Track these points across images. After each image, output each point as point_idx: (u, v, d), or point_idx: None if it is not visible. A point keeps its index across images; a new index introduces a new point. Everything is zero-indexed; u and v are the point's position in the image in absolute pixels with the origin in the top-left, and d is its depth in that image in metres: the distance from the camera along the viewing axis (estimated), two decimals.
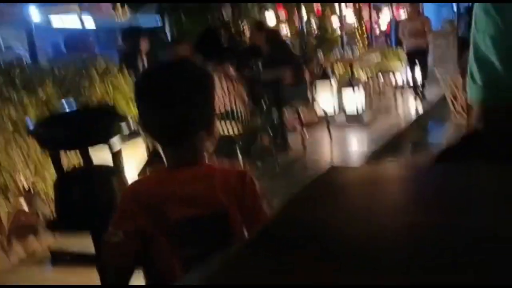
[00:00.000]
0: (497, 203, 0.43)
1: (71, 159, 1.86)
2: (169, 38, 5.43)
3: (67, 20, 7.14)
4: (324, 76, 5.04)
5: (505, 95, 0.78)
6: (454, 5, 11.69)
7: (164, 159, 0.93)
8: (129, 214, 0.89)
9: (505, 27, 0.74)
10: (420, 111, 6.11)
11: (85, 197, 1.36)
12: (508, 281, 0.28)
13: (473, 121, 0.82)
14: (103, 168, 1.45)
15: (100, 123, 1.48)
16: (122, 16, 5.93)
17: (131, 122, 2.37)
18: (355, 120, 5.09)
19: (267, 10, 6.78)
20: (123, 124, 1.55)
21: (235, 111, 3.09)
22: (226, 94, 3.09)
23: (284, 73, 4.06)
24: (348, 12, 8.78)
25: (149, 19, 6.53)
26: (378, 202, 0.48)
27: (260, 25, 4.71)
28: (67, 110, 1.71)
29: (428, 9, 11.98)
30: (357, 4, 8.67)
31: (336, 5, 8.27)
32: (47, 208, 2.23)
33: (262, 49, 4.33)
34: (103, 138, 1.48)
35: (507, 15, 0.73)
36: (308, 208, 0.45)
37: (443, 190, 0.49)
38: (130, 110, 2.81)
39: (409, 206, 0.47)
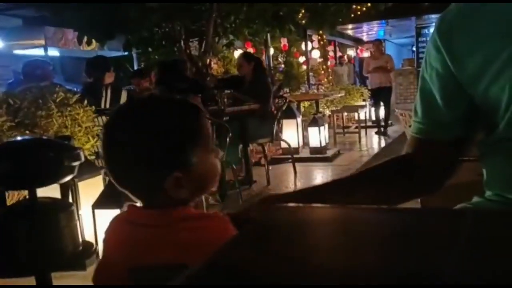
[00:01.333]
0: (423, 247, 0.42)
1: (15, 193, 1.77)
2: (134, 68, 5.41)
3: (31, 52, 7.03)
4: (290, 112, 5.12)
5: (442, 131, 0.81)
6: (414, 46, 12.29)
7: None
8: (107, 262, 0.85)
9: (454, 67, 0.76)
10: (383, 146, 6.26)
11: (29, 236, 1.28)
12: None
13: (405, 151, 0.85)
14: (49, 202, 1.38)
15: (52, 165, 1.38)
16: (88, 47, 5.89)
17: (86, 156, 2.30)
18: (319, 155, 5.16)
19: (236, 49, 6.91)
20: (77, 164, 1.47)
21: None
22: None
23: (255, 106, 4.12)
24: (314, 50, 9.06)
25: (115, 50, 6.51)
26: (317, 245, 0.47)
27: (249, 55, 4.84)
28: (16, 144, 1.63)
29: (389, 49, 12.55)
30: (321, 41, 8.97)
31: (302, 43, 8.52)
32: None
33: (246, 80, 4.42)
34: (54, 181, 1.40)
35: (456, 51, 0.75)
36: (244, 252, 0.44)
37: (377, 233, 0.49)
38: (88, 144, 2.74)
39: (349, 246, 0.46)
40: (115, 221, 0.87)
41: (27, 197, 1.38)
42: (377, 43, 7.44)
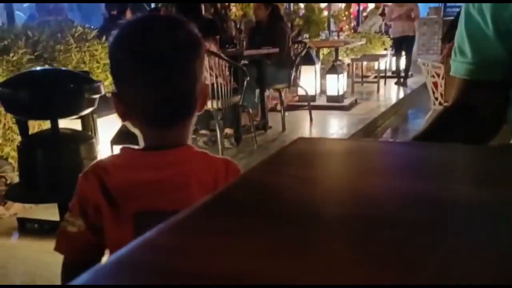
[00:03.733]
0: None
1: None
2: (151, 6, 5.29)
3: None
4: (309, 58, 5.01)
5: (494, 70, 0.77)
6: None
7: (141, 139, 0.76)
8: (88, 200, 0.74)
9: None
10: (401, 97, 6.15)
11: (50, 165, 1.31)
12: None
13: (456, 96, 0.81)
14: (70, 133, 1.40)
15: (73, 96, 1.39)
16: None
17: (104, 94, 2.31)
18: (336, 103, 5.11)
19: None
20: (97, 97, 1.48)
21: (216, 87, 3.05)
22: (207, 69, 3.03)
23: (274, 50, 4.05)
24: None
25: None
26: (344, 171, 0.47)
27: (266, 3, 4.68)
28: (38, 76, 1.63)
29: None
30: None
31: None
32: (15, 174, 2.18)
33: (263, 25, 4.32)
34: (75, 112, 1.41)
35: None
36: (271, 174, 0.44)
37: (414, 163, 0.49)
38: (107, 81, 2.75)
39: (373, 176, 0.46)
40: (102, 166, 0.77)
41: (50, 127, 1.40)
42: None
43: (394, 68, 7.41)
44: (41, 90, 1.35)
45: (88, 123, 1.51)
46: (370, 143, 0.56)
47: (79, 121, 1.52)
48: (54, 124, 1.39)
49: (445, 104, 3.41)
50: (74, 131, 1.46)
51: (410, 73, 7.20)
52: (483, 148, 0.56)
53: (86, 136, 1.46)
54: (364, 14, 11.02)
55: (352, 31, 8.68)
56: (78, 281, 0.21)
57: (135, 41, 0.72)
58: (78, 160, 1.39)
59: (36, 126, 2.03)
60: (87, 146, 1.41)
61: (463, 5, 0.79)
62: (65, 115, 1.42)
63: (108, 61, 2.68)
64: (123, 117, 0.74)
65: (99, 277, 0.23)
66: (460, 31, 0.79)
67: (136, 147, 0.77)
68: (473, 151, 0.53)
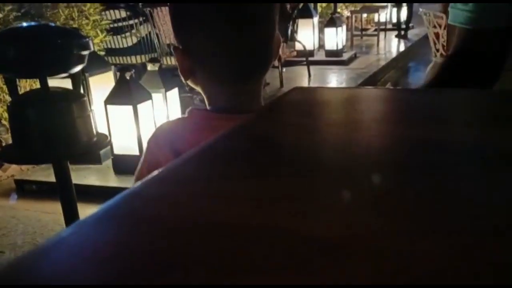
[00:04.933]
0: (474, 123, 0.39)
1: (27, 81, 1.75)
2: None
3: None
4: (306, 11, 4.86)
5: (497, 16, 0.73)
6: None
7: (212, 103, 0.69)
8: (161, 166, 0.66)
9: None
10: (402, 50, 6.03)
11: (42, 124, 1.28)
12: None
13: (456, 45, 0.78)
14: (61, 91, 1.35)
15: (61, 52, 1.33)
16: None
17: (95, 52, 2.24)
18: (335, 57, 5.01)
19: None
20: (87, 54, 1.41)
21: None
22: None
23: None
24: None
25: None
26: (341, 119, 0.44)
27: None
28: (24, 32, 1.56)
29: None
30: None
31: None
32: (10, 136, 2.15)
33: None
34: (64, 69, 1.36)
35: None
36: (265, 122, 0.42)
37: (413, 109, 0.46)
38: (97, 39, 2.66)
39: (372, 123, 0.43)
40: (172, 130, 0.70)
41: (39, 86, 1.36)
42: None
43: (394, 20, 7.23)
44: (28, 46, 1.29)
45: (79, 82, 1.46)
46: (369, 91, 0.53)
47: (70, 81, 1.47)
48: (44, 82, 1.34)
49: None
50: (64, 89, 1.41)
51: (411, 24, 7.03)
52: (486, 92, 0.53)
53: (77, 94, 1.41)
54: None
55: None
56: (63, 233, 0.20)
57: None
58: (71, 119, 1.35)
59: (28, 87, 1.99)
60: (79, 104, 1.36)
61: None
62: (54, 72, 1.36)
63: (97, 17, 2.56)
64: (188, 74, 0.67)
65: (84, 229, 0.22)
66: None
67: (205, 108, 0.69)
68: (474, 95, 0.50)
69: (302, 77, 4.45)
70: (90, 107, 1.95)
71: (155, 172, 0.29)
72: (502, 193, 0.25)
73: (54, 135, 1.32)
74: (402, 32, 6.83)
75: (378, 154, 0.33)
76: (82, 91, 1.67)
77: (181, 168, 0.31)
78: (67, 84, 1.50)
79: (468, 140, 0.35)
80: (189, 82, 0.68)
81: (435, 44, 3.67)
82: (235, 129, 0.41)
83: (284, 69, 4.23)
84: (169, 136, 0.68)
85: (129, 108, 2.21)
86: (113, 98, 2.24)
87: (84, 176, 2.27)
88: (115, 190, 0.27)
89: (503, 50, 0.75)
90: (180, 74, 0.68)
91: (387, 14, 7.24)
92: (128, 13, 3.34)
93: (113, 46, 3.34)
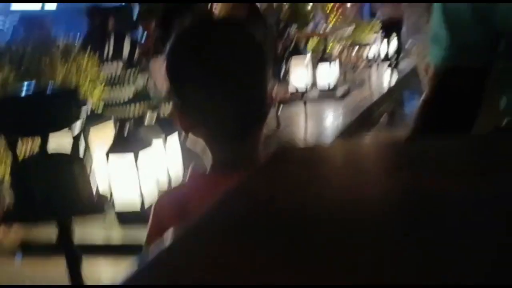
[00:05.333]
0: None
1: (27, 145, 1.78)
2: (134, 16, 5.25)
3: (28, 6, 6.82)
4: (297, 51, 4.99)
5: (472, 56, 0.76)
6: None
7: (209, 160, 0.71)
8: (167, 227, 0.68)
9: None
10: (394, 82, 6.13)
11: (42, 188, 1.30)
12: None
13: (434, 84, 0.81)
14: (59, 156, 1.38)
15: (60, 108, 1.39)
16: None
17: (93, 104, 2.28)
18: (329, 94, 5.09)
19: None
20: (84, 108, 1.47)
21: None
22: None
23: None
24: None
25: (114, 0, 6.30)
26: (329, 179, 0.46)
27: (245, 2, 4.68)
28: (25, 92, 1.61)
29: None
30: None
31: None
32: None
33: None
34: (65, 124, 1.40)
35: None
36: (250, 194, 0.43)
37: (400, 162, 0.47)
38: (95, 93, 2.72)
39: (362, 180, 0.45)
40: (180, 197, 0.72)
41: (40, 147, 1.39)
42: None
43: (385, 52, 7.39)
44: (28, 107, 1.34)
45: (79, 139, 1.49)
46: (351, 146, 0.55)
47: (70, 138, 1.50)
48: (44, 141, 1.37)
49: None
50: (64, 149, 1.44)
51: (401, 55, 7.18)
52: (471, 138, 0.55)
53: (77, 153, 1.44)
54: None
55: (340, 18, 8.63)
56: None
57: (202, 52, 0.67)
58: (71, 178, 1.37)
59: (28, 148, 2.02)
60: (79, 163, 1.39)
61: None
62: (53, 129, 1.41)
63: (95, 69, 2.63)
64: (188, 128, 0.70)
65: None
66: (437, 17, 0.78)
67: (207, 172, 0.71)
68: (459, 142, 0.52)
69: (298, 116, 4.50)
70: (91, 160, 1.98)
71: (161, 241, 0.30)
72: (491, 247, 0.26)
73: (55, 196, 1.34)
74: (394, 64, 6.97)
75: (371, 211, 0.34)
76: (83, 144, 1.70)
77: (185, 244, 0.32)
78: (67, 140, 1.54)
79: (466, 191, 0.36)
80: (191, 135, 0.71)
81: (424, 74, 3.74)
82: (214, 208, 0.41)
83: (279, 109, 4.29)
84: (179, 203, 0.72)
85: (131, 155, 2.23)
86: (114, 147, 2.27)
87: (87, 230, 2.26)
88: (119, 247, 0.28)
89: (479, 90, 0.78)
90: (180, 128, 0.71)
91: (377, 45, 7.40)
92: (124, 65, 3.43)
93: (112, 98, 3.40)
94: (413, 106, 5.33)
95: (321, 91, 5.09)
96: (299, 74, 5.23)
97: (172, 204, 0.73)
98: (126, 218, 2.26)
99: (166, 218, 0.72)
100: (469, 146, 0.49)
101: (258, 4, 6.67)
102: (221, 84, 0.66)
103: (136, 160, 2.22)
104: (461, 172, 0.39)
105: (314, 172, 0.47)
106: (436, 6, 0.78)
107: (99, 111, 2.49)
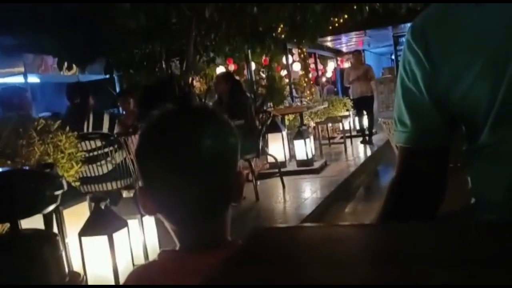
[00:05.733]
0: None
1: None
2: (116, 90, 5.38)
3: (10, 80, 6.93)
4: (275, 126, 5.14)
5: (433, 137, 0.80)
6: (393, 54, 12.50)
7: (179, 240, 0.71)
8: None
9: (432, 71, 0.75)
10: (369, 155, 6.30)
11: (11, 270, 1.24)
12: None
13: (400, 165, 0.84)
14: (32, 233, 1.34)
15: (34, 195, 1.34)
16: (69, 72, 5.85)
17: (70, 183, 2.25)
18: (306, 167, 5.17)
19: (217, 66, 6.96)
20: (60, 193, 1.43)
21: None
22: None
23: (240, 122, 4.14)
24: (295, 63, 9.14)
25: (96, 73, 6.48)
26: (304, 266, 0.46)
27: (227, 75, 4.91)
28: None
29: (369, 59, 12.76)
30: (302, 54, 9.07)
31: (283, 56, 8.60)
32: None
33: (225, 99, 4.46)
34: (36, 211, 1.36)
35: (433, 56, 0.75)
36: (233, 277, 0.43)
37: (379, 248, 0.48)
38: (72, 170, 2.70)
39: (341, 267, 0.45)
40: (145, 276, 0.72)
41: (9, 229, 1.34)
42: (357, 54, 7.55)
43: (358, 128, 7.65)
44: (0, 193, 1.30)
45: (51, 220, 1.45)
46: (331, 229, 0.56)
47: (41, 220, 1.46)
48: (15, 225, 1.33)
49: None
50: (35, 231, 1.40)
51: (374, 130, 7.45)
52: (439, 225, 0.57)
53: (49, 234, 1.40)
54: (324, 79, 11.54)
55: (314, 95, 9.02)
56: None
57: (163, 141, 0.68)
58: (41, 262, 1.32)
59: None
60: (50, 245, 1.34)
61: (398, 78, 0.84)
62: (26, 215, 1.36)
63: (72, 150, 2.61)
64: (151, 212, 0.71)
65: None
66: (398, 103, 0.83)
67: (175, 249, 0.71)
68: (432, 228, 0.54)
69: (277, 188, 4.52)
70: (64, 241, 1.91)
71: None
72: None
73: (24, 280, 1.28)
74: (367, 138, 7.20)
75: None
76: (55, 225, 1.65)
77: None
78: (40, 222, 1.49)
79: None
80: (160, 217, 0.71)
81: (397, 148, 3.87)
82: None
83: (258, 183, 4.31)
84: (141, 278, 0.70)
85: (104, 238, 2.17)
86: (87, 230, 2.21)
87: None
88: None
89: (442, 169, 0.82)
90: (143, 211, 0.71)
91: (350, 122, 7.68)
92: (103, 142, 3.44)
93: (89, 175, 3.37)
94: (388, 178, 5.44)
95: (299, 164, 5.18)
96: (277, 147, 5.35)
97: (139, 284, 0.71)
98: None
99: None
100: (429, 233, 0.50)
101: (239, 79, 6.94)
102: (182, 171, 0.67)
103: (110, 242, 2.15)
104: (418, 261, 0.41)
105: (289, 254, 0.48)
106: (398, 92, 0.83)
107: (75, 190, 2.45)
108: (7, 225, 1.83)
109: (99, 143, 3.41)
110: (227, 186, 0.70)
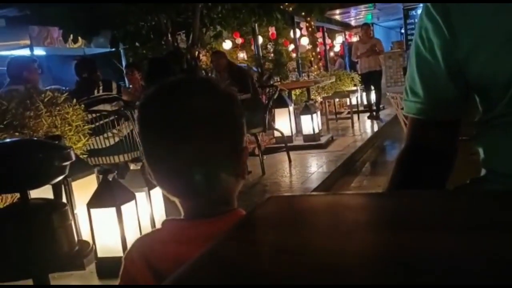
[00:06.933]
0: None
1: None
2: (123, 64, 5.35)
3: (16, 52, 6.90)
4: (282, 100, 5.11)
5: (446, 109, 0.78)
6: (402, 28, 12.27)
7: (183, 209, 0.71)
8: (137, 282, 0.69)
9: (451, 37, 0.72)
10: (376, 130, 6.27)
11: (21, 239, 1.26)
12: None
13: (410, 135, 0.83)
14: (41, 203, 1.35)
15: (42, 166, 1.33)
16: (74, 45, 5.81)
17: (78, 156, 2.26)
18: (313, 142, 5.16)
19: (224, 40, 6.88)
20: (68, 164, 1.43)
21: None
22: None
23: (246, 96, 4.12)
24: (303, 37, 9.00)
25: (102, 47, 6.43)
26: (316, 234, 0.46)
27: (220, 51, 4.89)
28: (5, 145, 1.59)
29: (377, 33, 12.54)
30: (309, 28, 8.92)
31: (291, 30, 8.47)
32: None
33: (226, 75, 4.44)
34: (45, 182, 1.36)
35: (455, 22, 0.71)
36: (240, 246, 0.43)
37: (388, 215, 0.48)
38: (80, 143, 2.72)
39: (351, 236, 0.45)
40: (147, 244, 0.73)
41: (19, 199, 1.36)
42: (365, 27, 7.41)
43: (365, 103, 7.59)
44: (8, 164, 1.31)
45: (60, 190, 1.46)
46: (340, 197, 0.56)
47: (51, 188, 1.47)
48: (24, 196, 1.34)
49: None
50: (45, 201, 1.41)
51: (381, 105, 7.38)
52: (446, 193, 0.57)
53: (58, 204, 1.41)
54: (331, 54, 11.38)
55: (322, 69, 8.93)
56: None
57: (161, 112, 0.67)
58: (51, 231, 1.34)
59: (9, 198, 1.97)
60: (59, 214, 1.36)
61: (412, 45, 0.81)
62: (35, 185, 1.38)
63: (79, 122, 2.62)
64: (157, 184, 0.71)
65: None
66: (411, 72, 0.80)
67: (178, 218, 0.72)
68: (442, 196, 0.53)
69: (283, 163, 4.53)
70: (73, 212, 1.93)
71: None
72: None
73: (35, 249, 1.30)
74: (374, 113, 7.15)
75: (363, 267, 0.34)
76: (64, 196, 1.67)
77: None
78: (49, 193, 1.51)
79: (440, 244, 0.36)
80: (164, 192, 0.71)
81: (405, 123, 3.85)
82: (209, 255, 0.41)
83: (264, 157, 4.32)
84: (144, 252, 0.71)
85: (112, 210, 2.19)
86: (95, 201, 2.23)
87: (66, 283, 2.18)
88: None
89: (453, 142, 0.80)
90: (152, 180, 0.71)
91: (357, 97, 7.62)
92: (112, 103, 3.47)
93: (96, 147, 3.39)
94: (394, 154, 5.42)
95: (306, 139, 5.17)
96: (284, 122, 5.33)
97: (139, 253, 0.71)
98: (106, 270, 2.19)
99: (133, 270, 0.71)
100: (439, 202, 0.50)
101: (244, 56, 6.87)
102: (181, 149, 0.66)
103: (118, 214, 2.18)
104: (430, 228, 0.41)
105: (300, 220, 0.48)
106: (411, 61, 0.81)
107: (83, 162, 2.46)
108: (17, 195, 1.86)
109: (108, 107, 3.46)
110: (229, 159, 0.69)
